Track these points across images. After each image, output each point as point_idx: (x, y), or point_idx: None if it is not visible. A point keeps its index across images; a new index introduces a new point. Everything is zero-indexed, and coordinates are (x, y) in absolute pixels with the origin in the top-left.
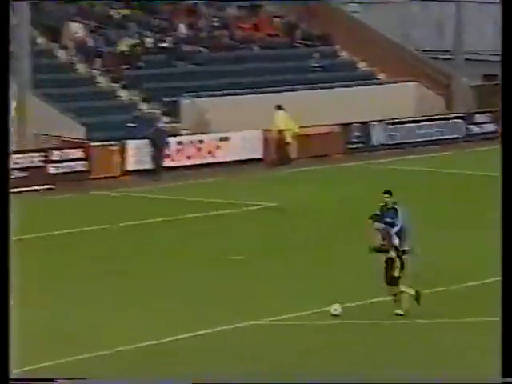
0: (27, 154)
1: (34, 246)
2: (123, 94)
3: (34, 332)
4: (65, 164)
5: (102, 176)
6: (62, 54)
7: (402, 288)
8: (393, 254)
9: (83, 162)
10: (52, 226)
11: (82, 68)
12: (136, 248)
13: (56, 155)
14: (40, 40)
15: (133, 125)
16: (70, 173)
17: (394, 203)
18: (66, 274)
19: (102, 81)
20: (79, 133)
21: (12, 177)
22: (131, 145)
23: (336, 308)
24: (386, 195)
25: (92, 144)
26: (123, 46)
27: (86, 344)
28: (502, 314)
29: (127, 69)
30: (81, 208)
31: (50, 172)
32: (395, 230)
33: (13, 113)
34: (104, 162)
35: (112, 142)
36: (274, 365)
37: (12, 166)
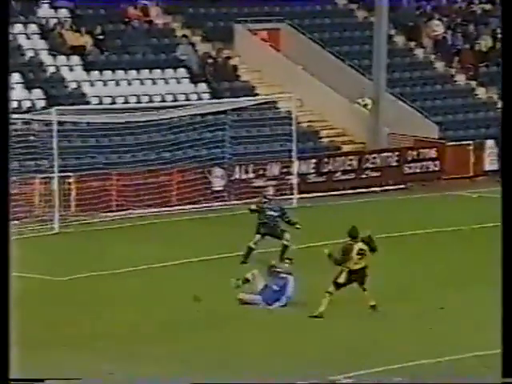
0: (382, 154)
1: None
2: (480, 92)
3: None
4: (419, 164)
5: (456, 176)
6: (419, 52)
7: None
8: None
9: (437, 162)
10: (407, 226)
11: (439, 66)
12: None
13: (410, 155)
14: (397, 38)
15: None
16: (423, 172)
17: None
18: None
19: (460, 79)
20: (432, 132)
21: (366, 176)
22: (488, 144)
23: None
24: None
25: (446, 143)
26: (483, 45)
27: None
28: (502, 314)
29: (485, 66)
30: (435, 208)
31: (405, 172)
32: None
33: (367, 111)
34: (459, 162)
35: (468, 142)
36: None
37: (367, 165)
